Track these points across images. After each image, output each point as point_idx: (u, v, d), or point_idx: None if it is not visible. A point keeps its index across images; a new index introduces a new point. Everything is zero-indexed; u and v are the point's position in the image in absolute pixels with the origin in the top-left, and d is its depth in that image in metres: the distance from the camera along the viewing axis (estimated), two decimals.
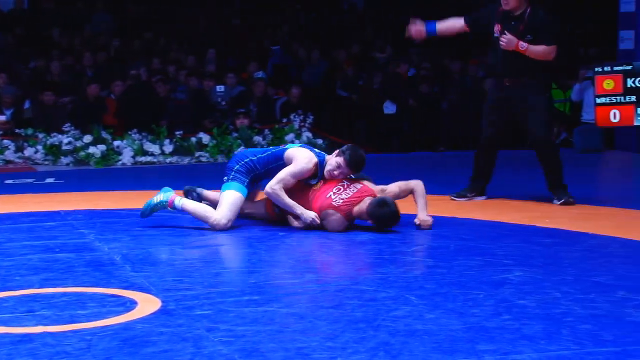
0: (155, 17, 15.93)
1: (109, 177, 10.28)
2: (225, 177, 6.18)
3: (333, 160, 6.10)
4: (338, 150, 6.18)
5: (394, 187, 6.19)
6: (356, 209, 5.94)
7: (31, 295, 4.38)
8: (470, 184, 7.66)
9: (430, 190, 8.35)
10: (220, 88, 12.86)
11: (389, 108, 12.33)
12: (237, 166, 6.18)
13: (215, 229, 6.04)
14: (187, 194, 6.47)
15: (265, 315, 4.03)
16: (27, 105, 12.50)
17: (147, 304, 4.20)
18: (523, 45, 7.13)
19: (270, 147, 6.60)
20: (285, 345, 3.56)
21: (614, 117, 11.35)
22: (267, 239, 5.83)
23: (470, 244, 5.69)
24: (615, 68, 11.35)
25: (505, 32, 7.17)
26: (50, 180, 9.79)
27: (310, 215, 5.98)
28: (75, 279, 4.77)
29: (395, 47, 15.23)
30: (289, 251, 5.68)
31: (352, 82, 14.21)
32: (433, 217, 6.30)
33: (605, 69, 11.42)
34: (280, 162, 6.13)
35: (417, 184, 6.27)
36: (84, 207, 7.37)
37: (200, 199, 6.46)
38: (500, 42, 7.18)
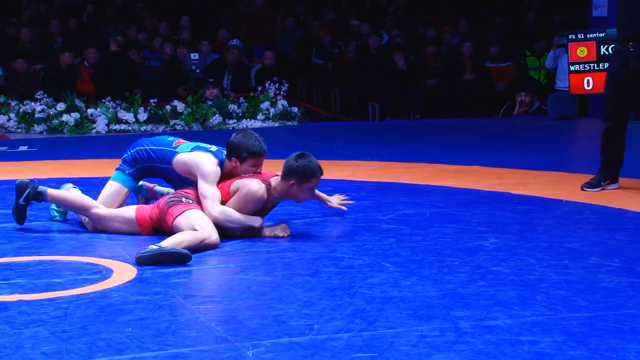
0: None
1: (82, 145, 10.21)
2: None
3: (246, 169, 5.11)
4: (230, 151, 5.14)
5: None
6: (273, 184, 5.05)
7: (6, 264, 4.37)
8: (601, 171, 6.46)
9: (405, 157, 8.40)
10: (194, 56, 12.77)
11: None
12: (126, 155, 5.43)
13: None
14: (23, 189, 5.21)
15: (241, 283, 4.04)
16: None
17: (123, 273, 4.19)
18: None
19: (163, 139, 5.48)
20: (262, 312, 3.57)
21: (588, 85, 11.41)
22: None
23: (445, 211, 5.72)
24: (589, 35, 11.39)
25: None
26: (23, 148, 9.71)
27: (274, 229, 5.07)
28: (50, 247, 4.76)
29: (370, 16, 15.19)
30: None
31: (327, 50, 14.16)
32: (408, 185, 6.31)
33: (579, 36, 11.47)
34: (167, 166, 5.24)
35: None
36: (57, 175, 7.32)
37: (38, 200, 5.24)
38: None
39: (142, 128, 11.53)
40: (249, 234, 4.99)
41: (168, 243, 4.45)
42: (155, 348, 3.14)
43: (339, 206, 5.55)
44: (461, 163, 7.83)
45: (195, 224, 4.75)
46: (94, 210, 5.09)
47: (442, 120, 12.33)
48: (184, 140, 5.34)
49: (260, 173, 5.12)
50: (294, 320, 3.47)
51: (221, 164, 5.10)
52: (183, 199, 4.94)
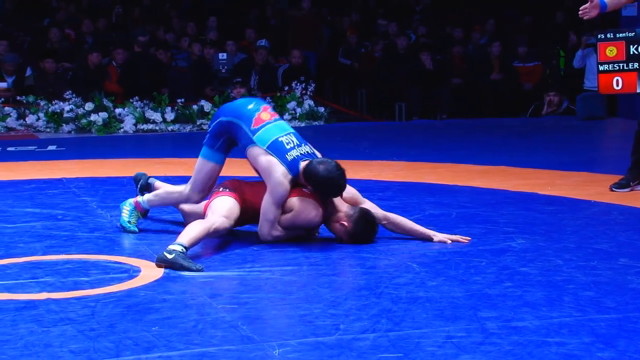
0: None
1: (110, 144, 10.27)
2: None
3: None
4: (307, 180, 4.78)
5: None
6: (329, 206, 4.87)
7: (34, 262, 4.40)
8: (630, 171, 6.40)
9: (431, 158, 8.38)
10: (222, 55, 12.80)
11: None
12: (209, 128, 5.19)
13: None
14: (137, 181, 5.57)
15: (267, 283, 4.04)
16: (28, 72, 12.46)
17: (150, 271, 4.21)
18: None
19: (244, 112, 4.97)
20: (288, 312, 3.57)
21: (617, 85, 11.25)
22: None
23: (472, 211, 5.69)
24: (618, 35, 11.26)
25: None
26: (52, 147, 9.78)
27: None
28: (78, 246, 4.79)
29: (397, 15, 15.15)
30: None
31: (354, 50, 14.15)
32: (435, 185, 6.29)
33: (608, 35, 11.36)
34: (243, 144, 4.90)
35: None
36: (85, 174, 7.38)
37: (149, 189, 5.47)
38: None
39: (170, 128, 11.58)
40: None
41: (185, 239, 4.40)
42: (182, 347, 3.15)
43: (444, 239, 4.85)
44: (488, 163, 7.79)
45: (211, 211, 4.77)
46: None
47: (469, 120, 12.28)
48: (266, 116, 4.88)
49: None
50: (320, 320, 3.46)
51: (295, 178, 4.77)
52: (220, 189, 4.93)
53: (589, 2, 6.64)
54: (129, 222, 5.16)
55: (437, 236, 4.85)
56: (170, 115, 11.66)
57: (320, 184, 4.73)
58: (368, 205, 4.93)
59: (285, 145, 4.80)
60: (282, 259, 4.48)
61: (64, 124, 11.53)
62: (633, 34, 11.10)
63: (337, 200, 4.86)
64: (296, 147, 4.84)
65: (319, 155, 4.95)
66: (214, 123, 5.06)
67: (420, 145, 9.78)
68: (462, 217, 5.48)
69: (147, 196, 5.24)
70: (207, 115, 11.69)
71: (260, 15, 15.33)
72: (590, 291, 3.83)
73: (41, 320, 3.46)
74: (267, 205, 4.78)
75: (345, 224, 4.79)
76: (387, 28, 14.46)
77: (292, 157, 4.77)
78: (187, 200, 5.11)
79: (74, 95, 11.67)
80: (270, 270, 4.26)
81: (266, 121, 4.87)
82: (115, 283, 4.01)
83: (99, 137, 11.14)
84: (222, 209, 4.77)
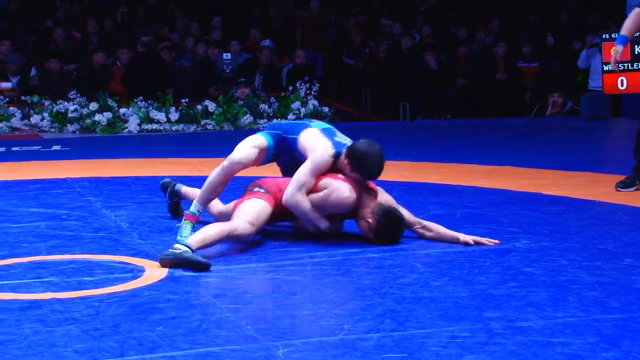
0: None
1: (115, 144, 10.28)
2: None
3: (345, 163, 4.86)
4: (348, 156, 4.85)
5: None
6: (364, 196, 4.83)
7: (39, 262, 4.40)
8: (635, 170, 6.37)
9: (435, 158, 8.37)
10: (226, 56, 12.81)
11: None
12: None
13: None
14: (165, 188, 5.53)
15: (272, 283, 4.04)
16: (33, 72, 12.49)
17: (154, 271, 4.21)
18: None
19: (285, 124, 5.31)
20: (293, 312, 3.57)
21: (622, 85, 11.31)
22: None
23: (476, 211, 5.69)
24: None
25: None
26: (56, 147, 9.80)
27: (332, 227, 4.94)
28: (83, 246, 4.79)
29: (402, 16, 15.15)
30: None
31: (358, 50, 14.15)
32: (439, 185, 6.28)
33: (613, 35, 11.37)
34: (293, 136, 5.02)
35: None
36: (90, 174, 7.39)
37: (177, 196, 5.48)
38: None
39: (174, 128, 11.60)
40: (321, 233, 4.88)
41: (194, 240, 4.38)
42: (186, 347, 3.15)
43: (469, 240, 4.76)
44: (492, 163, 7.79)
45: (237, 213, 4.69)
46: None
47: (473, 120, 12.28)
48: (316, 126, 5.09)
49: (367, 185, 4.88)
50: (324, 320, 3.46)
51: (337, 156, 4.85)
52: (255, 188, 4.88)
53: (613, 58, 6.51)
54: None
55: (463, 237, 4.76)
56: (174, 115, 11.68)
57: (360, 158, 4.77)
58: (403, 211, 4.85)
59: (336, 132, 5.03)
60: (287, 259, 4.48)
61: (68, 124, 11.55)
62: (638, 33, 11.09)
63: (369, 197, 4.82)
64: (345, 138, 5.02)
65: None
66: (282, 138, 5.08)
67: (425, 145, 9.78)
68: (467, 217, 5.47)
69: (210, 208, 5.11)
70: (211, 115, 11.71)
71: (264, 15, 15.34)
72: (594, 291, 3.82)
73: (45, 320, 3.47)
74: (302, 169, 4.80)
75: (370, 220, 4.76)
76: (391, 28, 14.47)
77: (338, 140, 4.95)
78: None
79: (78, 95, 11.68)
80: (274, 270, 4.26)
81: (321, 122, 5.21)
82: (119, 283, 4.01)
83: (103, 137, 11.15)
84: (249, 214, 4.69)
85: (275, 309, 3.61)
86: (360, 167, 4.78)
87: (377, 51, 13.86)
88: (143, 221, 5.39)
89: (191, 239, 4.41)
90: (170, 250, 4.30)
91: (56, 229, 5.20)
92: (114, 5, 14.81)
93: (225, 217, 4.91)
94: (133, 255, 4.56)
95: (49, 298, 3.75)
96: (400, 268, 4.28)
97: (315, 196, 4.80)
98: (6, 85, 12.17)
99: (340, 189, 4.74)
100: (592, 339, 3.21)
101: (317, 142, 4.89)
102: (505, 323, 3.39)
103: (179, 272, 4.18)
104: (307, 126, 5.04)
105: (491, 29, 14.51)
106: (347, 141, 4.99)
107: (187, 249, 4.29)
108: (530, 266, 4.27)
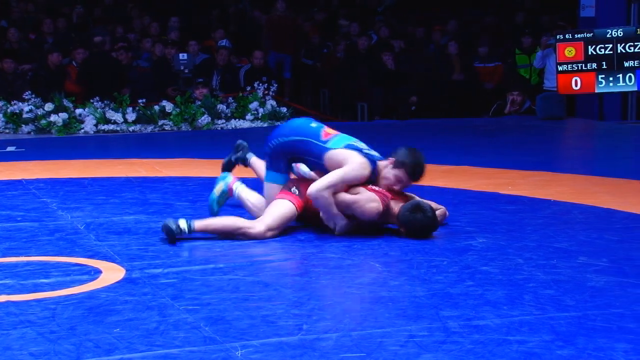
0: None
1: (71, 145, 10.18)
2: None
3: (391, 173, 5.02)
4: (392, 158, 5.06)
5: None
6: (392, 205, 4.98)
7: None
8: None
9: None
10: (183, 56, 12.74)
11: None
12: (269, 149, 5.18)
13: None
14: (236, 151, 5.81)
15: (230, 284, 4.03)
16: None
17: (111, 273, 4.18)
18: None
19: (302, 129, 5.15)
20: (251, 313, 3.57)
21: (576, 85, 11.45)
22: (234, 209, 5.80)
23: None
24: (577, 36, 11.43)
25: None
26: (11, 148, 9.68)
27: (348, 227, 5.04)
28: (39, 247, 4.74)
29: (359, 16, 15.19)
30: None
31: (316, 50, 14.15)
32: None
33: (567, 36, 11.51)
34: (315, 160, 5.05)
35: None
36: (46, 175, 7.31)
37: (244, 162, 5.78)
38: None
39: (131, 128, 11.51)
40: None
41: (199, 221, 4.83)
42: (144, 349, 3.14)
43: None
44: (450, 163, 7.83)
45: (267, 211, 4.99)
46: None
47: (431, 121, 12.34)
48: (331, 131, 5.14)
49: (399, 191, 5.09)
50: (283, 320, 3.46)
51: (373, 168, 5.02)
52: (292, 188, 5.04)
53: None
54: (218, 202, 5.44)
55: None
56: (131, 116, 11.58)
57: (416, 165, 5.04)
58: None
59: (359, 145, 5.12)
60: (245, 260, 4.47)
61: (23, 125, 11.42)
62: (591, 34, 11.26)
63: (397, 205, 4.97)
64: (368, 148, 5.14)
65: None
66: (274, 144, 5.12)
67: (382, 145, 9.79)
68: None
69: (241, 193, 5.38)
70: (168, 116, 11.63)
71: (222, 15, 15.29)
72: (550, 289, 3.87)
73: (0, 323, 3.42)
74: (338, 172, 4.91)
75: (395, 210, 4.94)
76: (348, 28, 14.49)
77: (367, 153, 5.07)
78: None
79: (33, 95, 11.55)
80: (232, 271, 4.25)
81: (333, 134, 5.12)
82: (75, 285, 3.98)
83: (59, 138, 11.04)
84: (273, 217, 4.92)
85: (233, 310, 3.61)
86: (414, 174, 5.04)
87: (335, 51, 13.88)
88: (100, 222, 5.35)
89: (200, 221, 4.85)
90: (172, 220, 4.77)
91: (11, 230, 5.14)
92: (67, 5, 14.64)
93: (258, 209, 5.21)
94: (90, 257, 4.52)
95: (3, 301, 3.71)
96: (359, 268, 4.29)
97: (343, 197, 4.93)
98: None
99: (368, 201, 4.90)
100: (547, 336, 3.25)
101: (352, 156, 4.98)
102: (463, 322, 3.42)
103: (136, 274, 4.16)
104: (327, 149, 5.01)
105: (448, 29, 14.59)
106: (372, 152, 5.13)
107: (186, 226, 4.75)
108: (487, 265, 4.31)
